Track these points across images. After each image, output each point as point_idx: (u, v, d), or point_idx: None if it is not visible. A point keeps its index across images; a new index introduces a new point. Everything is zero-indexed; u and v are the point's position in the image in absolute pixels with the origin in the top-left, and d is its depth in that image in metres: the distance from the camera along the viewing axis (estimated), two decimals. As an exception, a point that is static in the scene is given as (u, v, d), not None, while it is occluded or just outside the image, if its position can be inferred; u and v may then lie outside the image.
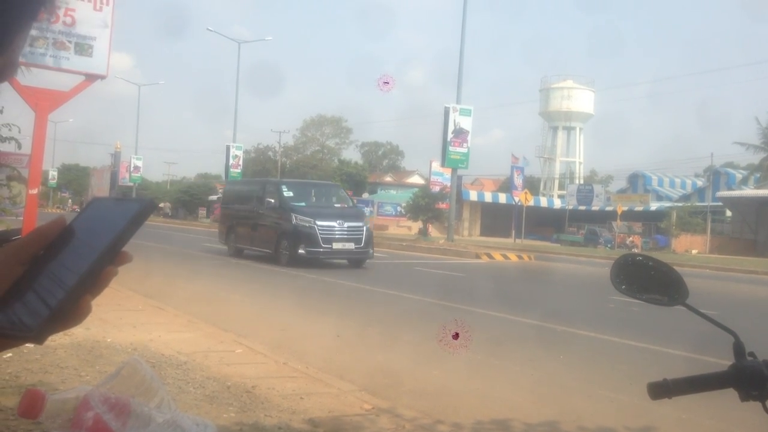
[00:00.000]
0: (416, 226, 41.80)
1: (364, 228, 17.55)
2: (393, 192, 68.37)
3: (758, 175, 50.29)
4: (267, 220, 18.17)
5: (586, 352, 7.83)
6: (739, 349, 1.31)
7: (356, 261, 17.59)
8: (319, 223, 16.84)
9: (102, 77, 9.92)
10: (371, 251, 17.64)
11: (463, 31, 31.31)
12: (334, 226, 16.99)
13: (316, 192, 19.88)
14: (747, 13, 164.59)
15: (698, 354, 7.16)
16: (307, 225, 16.81)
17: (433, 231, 39.32)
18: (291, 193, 18.36)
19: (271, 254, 17.63)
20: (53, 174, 78.37)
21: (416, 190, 44.45)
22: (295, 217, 17.03)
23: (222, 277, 14.15)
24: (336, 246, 16.93)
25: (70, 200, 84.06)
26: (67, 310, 0.67)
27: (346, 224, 17.15)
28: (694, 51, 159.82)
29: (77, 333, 6.29)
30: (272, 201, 17.93)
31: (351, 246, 17.17)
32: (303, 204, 17.98)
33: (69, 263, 0.69)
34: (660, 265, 1.44)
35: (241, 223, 19.61)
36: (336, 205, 18.85)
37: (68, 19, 9.52)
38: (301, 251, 16.66)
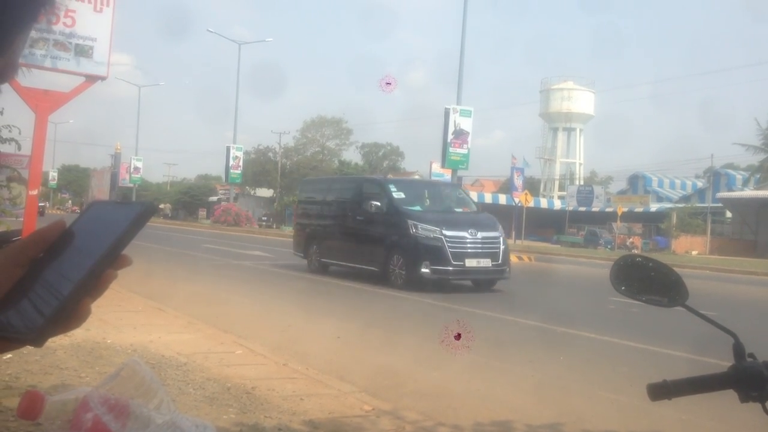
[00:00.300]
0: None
1: (501, 239, 13.93)
2: (393, 193, 68.33)
3: (758, 176, 50.34)
4: (369, 229, 14.48)
5: (586, 353, 7.83)
6: (738, 350, 1.31)
7: (487, 282, 14.03)
8: (446, 233, 13.26)
9: (102, 78, 9.92)
10: (508, 269, 13.98)
11: (464, 32, 31.31)
12: (466, 238, 13.40)
13: (430, 193, 15.94)
14: (749, 14, 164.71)
15: (698, 355, 7.16)
16: (432, 236, 13.27)
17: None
18: (402, 195, 14.61)
19: (378, 273, 13.94)
20: (53, 175, 78.45)
21: (416, 191, 44.41)
22: (414, 226, 13.42)
23: (222, 278, 14.15)
24: (469, 263, 13.28)
25: (69, 201, 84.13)
26: (66, 313, 0.67)
27: (479, 234, 13.55)
28: (694, 52, 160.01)
29: (77, 334, 6.29)
30: (377, 204, 14.23)
31: (487, 263, 13.43)
32: (418, 208, 14.39)
33: (68, 266, 0.69)
34: (660, 266, 1.45)
35: (329, 231, 15.89)
36: (457, 210, 15.32)
37: (68, 20, 9.53)
38: (424, 270, 13.04)
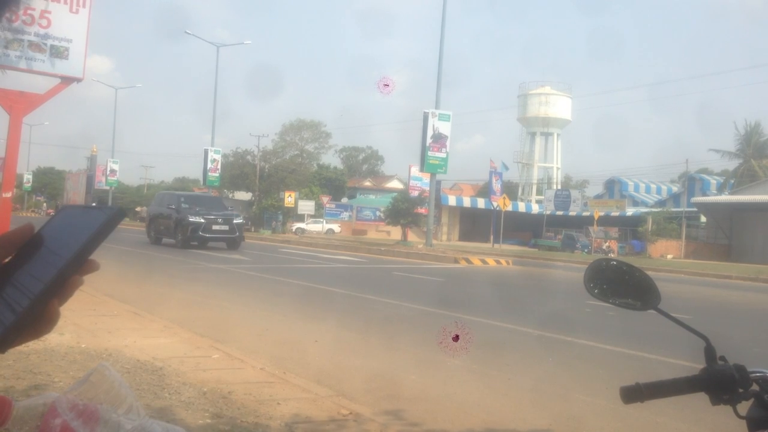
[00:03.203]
0: (396, 230, 41.81)
1: (235, 219, 26.16)
2: (372, 197, 68.46)
3: (732, 182, 51.06)
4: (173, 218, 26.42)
5: (562, 356, 7.88)
6: (710, 354, 1.32)
7: (231, 242, 26.05)
8: (202, 219, 25.24)
9: (78, 80, 9.83)
10: (239, 234, 26.18)
11: (442, 36, 31.48)
12: (214, 219, 25.47)
13: (200, 199, 28.76)
14: (724, 20, 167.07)
15: (674, 358, 7.25)
16: (195, 220, 25.29)
17: (411, 236, 39.38)
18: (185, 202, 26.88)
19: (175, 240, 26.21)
20: (28, 177, 77.41)
21: (395, 194, 44.55)
22: (187, 216, 25.21)
23: (198, 282, 14.04)
24: (215, 229, 25.45)
25: (44, 204, 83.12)
26: (33, 318, 0.66)
27: (221, 217, 25.84)
28: (669, 58, 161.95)
29: (51, 339, 6.21)
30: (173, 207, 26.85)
31: (225, 229, 25.72)
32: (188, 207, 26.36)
33: (35, 270, 0.68)
34: (633, 270, 1.46)
35: (160, 220, 27.59)
36: (214, 207, 26.99)
37: (44, 21, 9.42)
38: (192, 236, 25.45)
